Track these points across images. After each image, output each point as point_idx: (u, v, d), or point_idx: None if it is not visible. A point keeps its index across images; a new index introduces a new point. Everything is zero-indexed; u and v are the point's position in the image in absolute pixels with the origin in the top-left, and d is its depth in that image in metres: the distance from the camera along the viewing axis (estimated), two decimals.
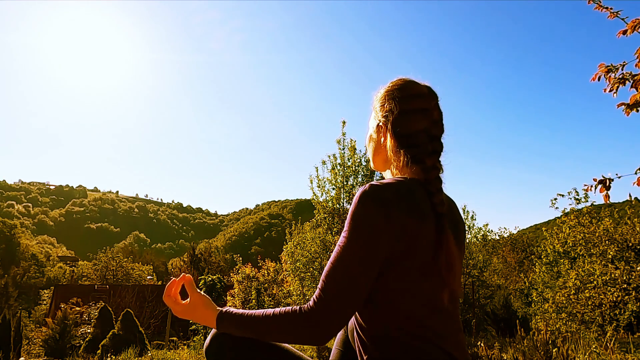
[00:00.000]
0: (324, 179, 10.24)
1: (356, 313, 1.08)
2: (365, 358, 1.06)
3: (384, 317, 1.04)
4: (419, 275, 1.03)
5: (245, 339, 1.11)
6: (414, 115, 1.16)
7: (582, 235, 10.52)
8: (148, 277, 33.73)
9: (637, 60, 2.24)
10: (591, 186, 2.42)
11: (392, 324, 1.03)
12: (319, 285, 1.03)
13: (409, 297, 1.03)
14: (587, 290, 9.63)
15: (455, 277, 1.08)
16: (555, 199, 8.51)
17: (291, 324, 1.03)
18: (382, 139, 1.23)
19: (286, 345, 1.16)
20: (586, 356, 3.91)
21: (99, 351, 8.35)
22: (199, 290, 1.23)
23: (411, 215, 1.03)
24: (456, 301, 1.12)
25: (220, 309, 1.15)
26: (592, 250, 10.24)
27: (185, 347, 9.62)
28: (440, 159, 1.17)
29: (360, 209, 1.03)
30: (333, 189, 10.21)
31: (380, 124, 1.22)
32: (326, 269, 1.03)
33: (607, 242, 9.95)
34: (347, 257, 1.01)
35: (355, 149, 9.23)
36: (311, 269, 9.88)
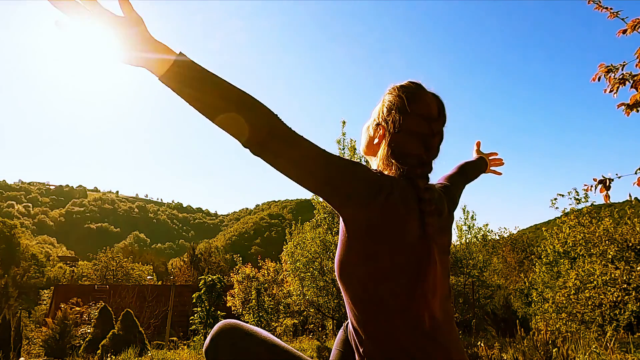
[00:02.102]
0: None
1: (354, 310, 1.09)
2: (361, 350, 1.07)
3: (378, 314, 1.05)
4: (406, 282, 1.04)
5: (244, 338, 1.11)
6: (412, 138, 1.15)
7: (582, 235, 10.52)
8: (148, 277, 33.69)
9: (637, 60, 2.24)
10: (591, 186, 2.42)
11: (387, 322, 1.04)
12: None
13: (398, 300, 1.04)
14: (587, 290, 9.63)
15: (438, 299, 1.08)
16: (555, 199, 8.52)
17: (257, 103, 0.97)
18: (376, 141, 1.23)
19: (286, 345, 1.17)
20: (586, 356, 3.91)
21: (99, 351, 8.35)
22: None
23: (402, 218, 1.05)
24: (447, 317, 1.12)
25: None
26: (592, 250, 10.23)
27: (185, 347, 9.63)
28: (429, 179, 1.18)
29: (366, 167, 1.06)
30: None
31: (380, 126, 1.22)
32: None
33: (607, 242, 9.95)
34: (325, 153, 1.01)
35: (355, 149, 9.24)
36: (311, 269, 9.88)
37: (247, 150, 0.99)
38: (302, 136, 1.00)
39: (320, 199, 10.30)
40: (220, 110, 0.94)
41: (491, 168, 1.92)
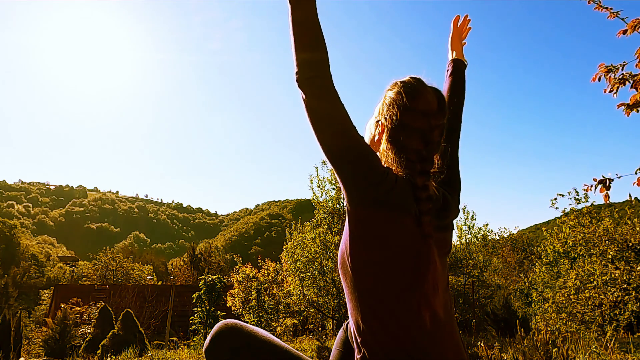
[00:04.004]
0: (324, 179, 10.24)
1: (354, 302, 1.10)
2: (360, 344, 1.08)
3: (377, 309, 1.06)
4: (404, 278, 1.05)
5: (243, 338, 1.12)
6: (411, 133, 1.16)
7: (582, 235, 10.51)
8: (148, 277, 33.66)
9: (637, 60, 2.24)
10: (591, 186, 2.42)
11: (387, 317, 1.05)
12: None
13: (397, 296, 1.05)
14: (587, 290, 9.62)
15: (439, 296, 1.09)
16: (555, 199, 8.47)
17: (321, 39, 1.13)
18: (377, 137, 1.24)
19: (286, 345, 1.17)
20: (586, 356, 3.91)
21: (99, 351, 8.34)
22: None
23: (398, 216, 1.07)
24: (446, 315, 1.12)
25: None
26: (592, 250, 10.22)
27: (185, 347, 9.62)
28: (430, 175, 1.17)
29: (379, 159, 1.14)
30: (333, 189, 10.21)
31: (380, 122, 1.23)
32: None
33: (607, 242, 9.94)
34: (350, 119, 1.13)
35: None
36: (311, 269, 9.88)
37: (299, 76, 1.11)
38: None
39: (320, 199, 10.31)
40: (316, 33, 1.13)
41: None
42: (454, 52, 1.67)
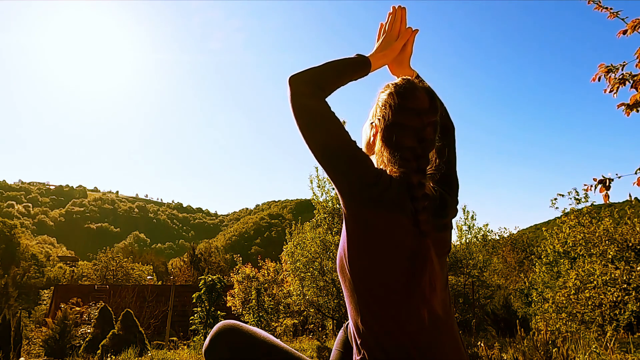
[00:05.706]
0: (324, 179, 10.23)
1: (353, 303, 1.11)
2: (360, 345, 1.08)
3: (375, 309, 1.06)
4: (401, 277, 1.06)
5: (243, 339, 1.13)
6: (403, 131, 1.17)
7: (582, 235, 10.50)
8: (148, 277, 33.64)
9: (637, 60, 2.24)
10: (591, 186, 2.42)
11: (385, 317, 1.05)
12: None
13: (395, 295, 1.06)
14: (587, 290, 9.62)
15: (437, 295, 1.09)
16: (555, 199, 8.52)
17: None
18: (372, 139, 1.26)
19: (285, 345, 1.18)
20: (586, 356, 3.91)
21: (99, 351, 8.34)
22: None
23: (395, 215, 1.07)
24: (445, 314, 1.12)
25: (370, 58, 1.30)
26: (592, 250, 10.22)
27: (185, 347, 9.63)
28: (426, 173, 1.17)
29: (372, 161, 1.16)
30: (333, 189, 10.21)
31: (374, 124, 1.25)
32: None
33: (607, 242, 9.94)
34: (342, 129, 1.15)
35: None
36: (311, 269, 9.87)
37: (296, 74, 1.15)
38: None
39: (320, 199, 10.31)
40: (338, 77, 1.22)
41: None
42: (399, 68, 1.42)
